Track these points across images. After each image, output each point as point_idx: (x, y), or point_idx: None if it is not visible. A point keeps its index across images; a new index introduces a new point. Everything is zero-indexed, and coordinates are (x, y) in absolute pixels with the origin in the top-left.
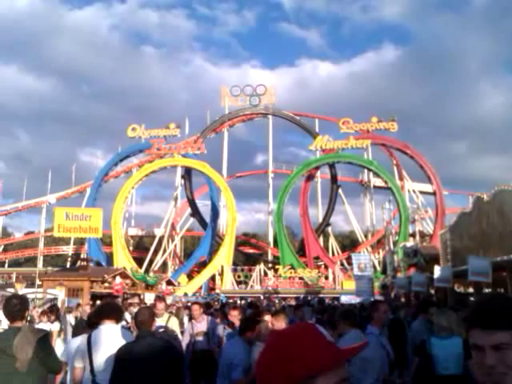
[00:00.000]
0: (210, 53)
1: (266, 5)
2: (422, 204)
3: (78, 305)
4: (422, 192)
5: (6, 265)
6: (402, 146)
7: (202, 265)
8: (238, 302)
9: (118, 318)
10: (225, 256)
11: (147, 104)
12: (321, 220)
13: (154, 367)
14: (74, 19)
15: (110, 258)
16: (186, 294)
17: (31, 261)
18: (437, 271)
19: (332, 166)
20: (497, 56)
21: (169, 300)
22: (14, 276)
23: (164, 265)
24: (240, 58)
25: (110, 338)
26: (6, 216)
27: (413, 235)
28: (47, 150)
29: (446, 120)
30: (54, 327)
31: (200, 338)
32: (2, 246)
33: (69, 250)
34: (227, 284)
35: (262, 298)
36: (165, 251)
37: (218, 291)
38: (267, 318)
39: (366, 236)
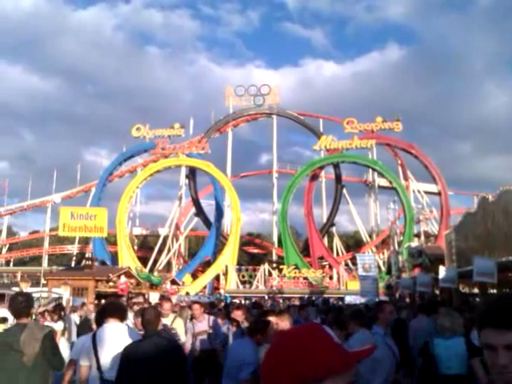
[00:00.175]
0: (215, 53)
1: (269, 5)
2: (426, 204)
3: (83, 304)
4: (426, 192)
5: (11, 264)
6: (406, 145)
7: (207, 264)
8: (243, 301)
9: (122, 316)
10: (229, 256)
11: (152, 104)
12: (325, 220)
13: (159, 366)
14: (78, 19)
15: (114, 258)
16: (187, 294)
17: (36, 260)
18: (442, 272)
19: (336, 166)
20: (501, 56)
21: (173, 299)
22: (18, 275)
23: (168, 264)
24: (244, 57)
25: (115, 336)
26: (11, 215)
27: (417, 235)
28: (52, 150)
29: (450, 120)
30: (58, 326)
31: (201, 338)
32: (8, 245)
33: (74, 249)
34: (231, 284)
35: (266, 297)
36: (169, 251)
37: (221, 291)
38: (272, 318)
39: (370, 236)
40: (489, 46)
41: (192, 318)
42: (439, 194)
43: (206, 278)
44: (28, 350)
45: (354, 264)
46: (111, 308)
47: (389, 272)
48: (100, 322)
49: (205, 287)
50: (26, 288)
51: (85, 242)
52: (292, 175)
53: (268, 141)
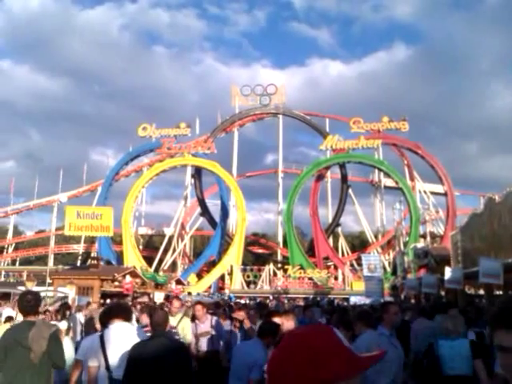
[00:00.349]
0: (221, 52)
1: (276, 4)
2: (432, 205)
3: (88, 303)
4: (432, 193)
5: (17, 263)
6: (413, 145)
7: (212, 264)
8: (248, 301)
9: (128, 317)
10: (234, 256)
11: (158, 104)
12: (331, 220)
13: (165, 366)
14: (85, 19)
15: (120, 257)
16: (189, 294)
17: (42, 259)
18: (447, 272)
19: (342, 166)
20: (509, 55)
21: None
22: (24, 274)
23: (174, 264)
24: (250, 57)
25: (123, 336)
26: (17, 214)
27: (423, 236)
28: (58, 149)
29: (457, 120)
30: (62, 326)
31: (204, 339)
32: (14, 245)
33: (79, 248)
34: (236, 284)
35: (271, 298)
36: (174, 250)
37: (226, 291)
38: (276, 318)
39: (376, 237)
40: (496, 45)
41: (194, 318)
42: (445, 194)
43: (211, 277)
44: (36, 348)
45: (360, 264)
46: (116, 309)
47: (394, 273)
48: (105, 322)
49: (210, 287)
50: (31, 287)
51: (90, 241)
52: (298, 175)
53: (274, 141)
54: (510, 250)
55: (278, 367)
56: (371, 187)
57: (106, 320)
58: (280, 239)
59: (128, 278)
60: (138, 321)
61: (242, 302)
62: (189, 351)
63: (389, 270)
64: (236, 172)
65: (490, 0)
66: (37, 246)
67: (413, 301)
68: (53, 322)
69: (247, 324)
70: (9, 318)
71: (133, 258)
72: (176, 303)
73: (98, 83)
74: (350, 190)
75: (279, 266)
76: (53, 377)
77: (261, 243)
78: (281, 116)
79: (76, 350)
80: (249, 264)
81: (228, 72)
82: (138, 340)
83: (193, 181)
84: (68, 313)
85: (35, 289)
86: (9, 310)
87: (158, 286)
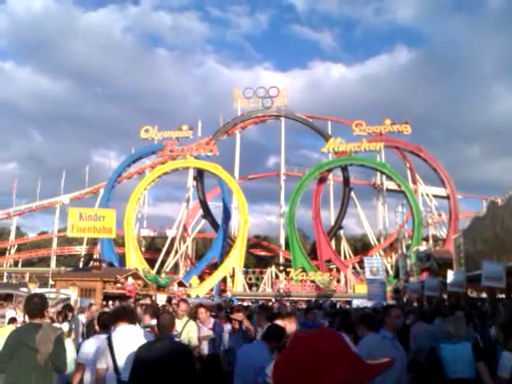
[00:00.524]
0: (223, 55)
1: (278, 7)
2: (435, 208)
3: (91, 305)
4: (435, 196)
5: (20, 264)
6: (415, 148)
7: (214, 267)
8: (250, 304)
9: (133, 319)
10: (236, 258)
11: (160, 106)
12: (333, 223)
13: (170, 368)
14: (87, 21)
15: (122, 259)
16: (189, 296)
17: (44, 261)
18: (450, 276)
19: (344, 169)
20: (511, 59)
21: None
22: (27, 276)
23: (176, 266)
24: (253, 60)
25: (130, 338)
26: (19, 216)
27: (426, 239)
28: (61, 151)
29: (459, 123)
30: (63, 328)
31: (205, 342)
32: (16, 246)
33: (82, 250)
34: (238, 286)
35: (273, 300)
36: (176, 252)
37: (228, 293)
38: (279, 321)
39: (378, 239)
40: (498, 48)
41: (194, 320)
42: (448, 197)
43: (213, 280)
44: (43, 350)
45: (362, 267)
46: (121, 312)
47: (397, 276)
48: (110, 325)
49: (212, 289)
50: (34, 289)
51: (93, 243)
52: (300, 178)
53: (276, 143)
54: None
55: (282, 371)
56: (373, 190)
57: (111, 323)
58: (282, 242)
59: (130, 280)
60: (139, 322)
61: (245, 304)
62: (193, 354)
63: (391, 273)
64: (238, 174)
65: (493, 3)
66: (39, 248)
67: (415, 304)
68: (55, 325)
69: (246, 324)
70: (12, 320)
71: (135, 259)
72: (183, 306)
73: (101, 85)
74: (352, 193)
75: (281, 268)
76: (56, 379)
77: (263, 246)
78: (283, 118)
79: (77, 352)
80: (251, 266)
81: (230, 74)
82: (145, 342)
83: (195, 183)
84: (71, 315)
85: (38, 290)
86: (11, 312)
87: (160, 288)
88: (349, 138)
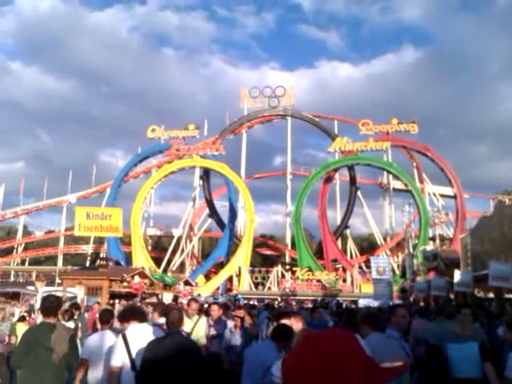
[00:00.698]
0: (229, 55)
1: (285, 7)
2: (442, 207)
3: (97, 303)
4: (442, 195)
5: (27, 263)
6: (422, 148)
7: (220, 266)
8: (256, 303)
9: (143, 318)
10: (242, 257)
11: (167, 105)
12: (339, 222)
13: (178, 364)
14: (94, 21)
15: (128, 258)
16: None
17: (51, 259)
18: (457, 275)
19: (351, 168)
20: None
21: (185, 301)
22: (34, 274)
23: (182, 265)
24: (259, 59)
25: (143, 336)
26: (27, 215)
27: (433, 239)
28: (68, 151)
29: (466, 122)
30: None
31: (214, 340)
32: (23, 245)
33: (88, 248)
34: (244, 285)
35: (279, 299)
36: (183, 251)
37: (234, 292)
38: (285, 320)
39: (384, 239)
40: (505, 47)
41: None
42: (455, 197)
43: (220, 279)
44: (58, 350)
45: (368, 267)
46: (131, 311)
47: (403, 275)
48: (108, 321)
49: (218, 288)
50: (41, 287)
51: (99, 241)
52: (306, 177)
53: (282, 142)
54: None
55: (292, 370)
56: (380, 189)
57: (122, 322)
58: (288, 241)
59: (137, 279)
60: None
61: (251, 303)
62: (201, 351)
63: (398, 272)
64: (244, 174)
65: (500, 2)
66: (46, 247)
67: (422, 304)
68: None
69: (248, 321)
70: (22, 318)
71: (141, 258)
72: (194, 305)
73: (107, 85)
74: (359, 192)
75: (287, 267)
76: (66, 375)
77: (269, 245)
78: (289, 118)
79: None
80: (257, 266)
81: (236, 74)
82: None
83: (201, 182)
84: (78, 313)
85: (44, 289)
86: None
87: (167, 286)
88: (355, 138)
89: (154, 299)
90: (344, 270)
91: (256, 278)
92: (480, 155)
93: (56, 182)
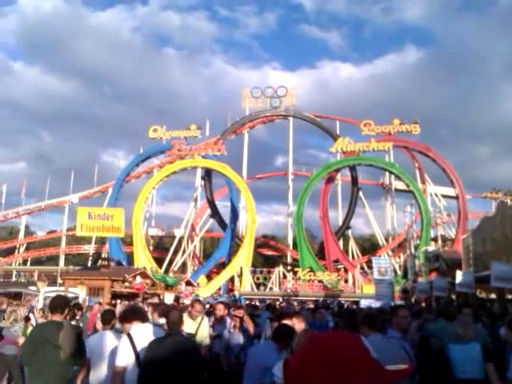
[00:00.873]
0: (231, 55)
1: (286, 7)
2: (444, 208)
3: (99, 304)
4: (444, 196)
5: (29, 263)
6: (424, 148)
7: (221, 266)
8: (257, 303)
9: (144, 318)
10: (244, 258)
11: (168, 105)
12: (341, 223)
13: (179, 363)
14: (96, 21)
15: (130, 258)
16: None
17: (53, 259)
18: (459, 276)
19: (353, 169)
20: None
21: (187, 301)
22: (35, 274)
23: (183, 265)
24: (261, 59)
25: (147, 336)
26: (28, 215)
27: (435, 239)
28: (70, 151)
29: (469, 123)
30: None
31: (216, 341)
32: (25, 245)
33: (90, 249)
34: (246, 286)
35: (280, 300)
36: (184, 252)
37: (236, 293)
38: (287, 321)
39: (386, 240)
40: (508, 47)
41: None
42: (457, 197)
43: (221, 279)
44: (66, 348)
45: (370, 267)
46: (133, 312)
47: (405, 276)
48: (109, 321)
49: (219, 289)
50: (42, 287)
51: (101, 242)
52: (308, 177)
53: (284, 143)
54: None
55: (295, 371)
56: (382, 190)
57: (124, 323)
58: (290, 241)
59: (138, 279)
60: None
61: (253, 304)
62: (201, 351)
63: (399, 273)
64: (246, 174)
65: (502, 2)
66: (48, 247)
67: (423, 304)
68: None
69: (247, 321)
70: (27, 318)
71: (143, 258)
72: (198, 306)
73: (109, 85)
74: (361, 193)
75: (289, 268)
76: (71, 372)
77: (271, 245)
78: (291, 118)
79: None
80: (258, 266)
81: (238, 74)
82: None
83: (203, 182)
84: (80, 313)
85: (46, 289)
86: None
87: (168, 287)
88: (357, 138)
89: (155, 299)
90: (346, 270)
91: (258, 279)
92: (482, 156)
93: (58, 182)
